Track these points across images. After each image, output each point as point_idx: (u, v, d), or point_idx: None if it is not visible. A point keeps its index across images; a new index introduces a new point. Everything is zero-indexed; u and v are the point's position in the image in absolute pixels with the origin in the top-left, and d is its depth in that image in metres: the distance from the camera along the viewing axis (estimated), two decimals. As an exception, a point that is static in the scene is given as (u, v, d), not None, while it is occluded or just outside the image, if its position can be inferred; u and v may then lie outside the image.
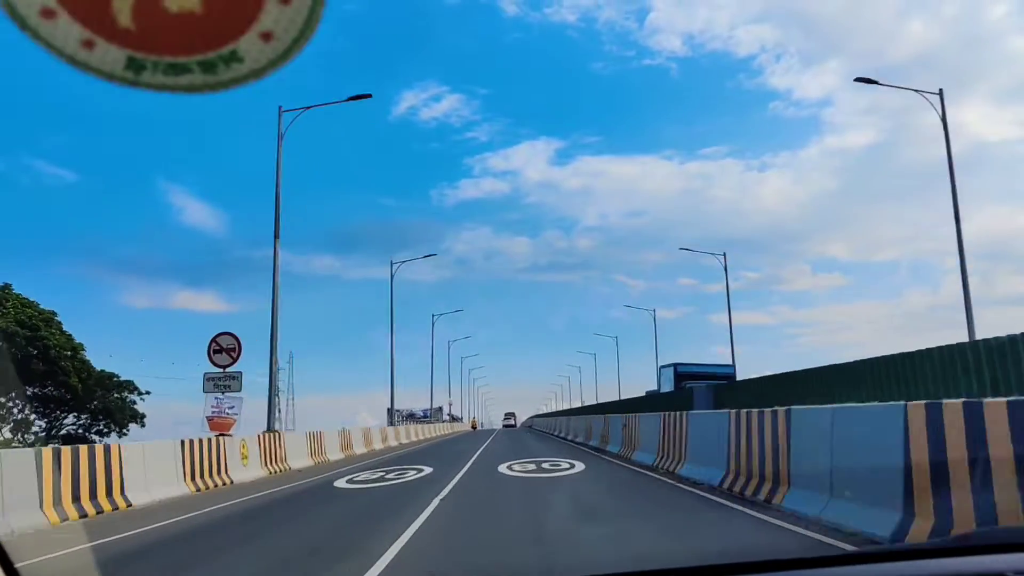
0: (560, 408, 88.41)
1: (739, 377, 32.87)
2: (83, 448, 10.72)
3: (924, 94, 22.39)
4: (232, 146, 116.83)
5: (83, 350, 37.37)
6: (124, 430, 39.16)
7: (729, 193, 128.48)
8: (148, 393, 40.64)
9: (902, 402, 6.10)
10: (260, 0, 0.82)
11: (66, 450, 10.33)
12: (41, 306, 36.51)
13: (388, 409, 45.83)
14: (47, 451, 9.96)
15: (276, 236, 21.06)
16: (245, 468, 15.82)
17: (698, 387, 24.79)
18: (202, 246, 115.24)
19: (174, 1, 0.81)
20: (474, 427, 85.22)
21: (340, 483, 13.75)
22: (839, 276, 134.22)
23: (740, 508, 8.26)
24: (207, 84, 0.86)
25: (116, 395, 39.16)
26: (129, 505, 11.17)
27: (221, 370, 16.86)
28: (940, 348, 12.13)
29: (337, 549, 7.24)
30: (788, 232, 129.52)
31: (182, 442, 13.54)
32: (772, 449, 8.46)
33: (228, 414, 16.31)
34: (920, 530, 5.42)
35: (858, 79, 22.96)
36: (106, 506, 10.70)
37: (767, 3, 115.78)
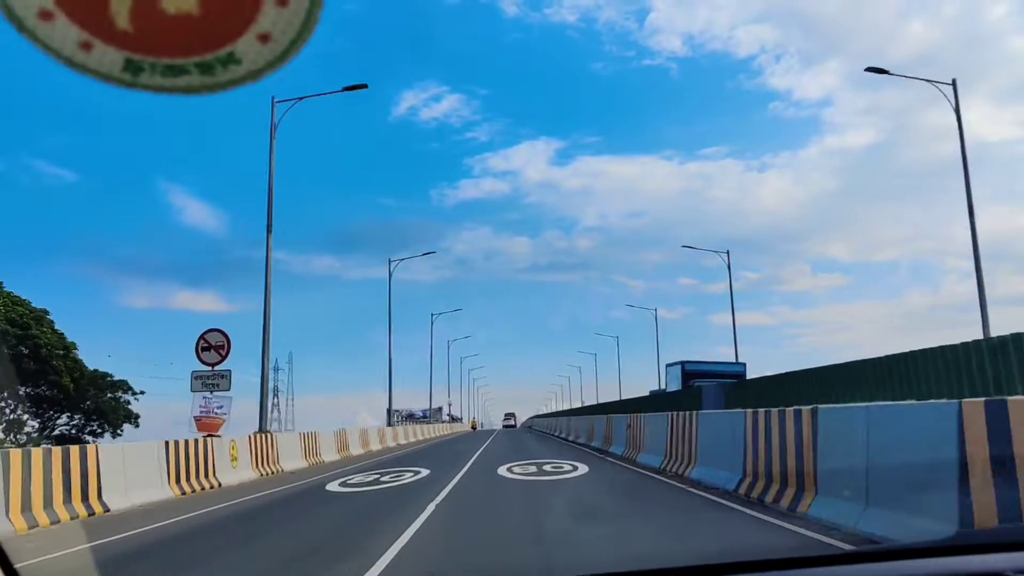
0: (560, 408, 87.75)
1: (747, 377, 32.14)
2: (56, 450, 10.10)
3: (937, 84, 21.79)
4: (232, 146, 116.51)
5: (75, 349, 36.76)
6: (118, 431, 38.59)
7: (729, 193, 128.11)
8: (142, 393, 40.08)
9: (955, 400, 5.47)
10: (257, 2, 0.83)
11: (37, 452, 9.74)
12: (33, 304, 35.94)
13: (387, 409, 45.29)
14: (15, 453, 9.39)
15: (268, 230, 20.59)
16: (235, 470, 15.21)
17: (708, 386, 24.03)
18: (202, 246, 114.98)
19: (172, 3, 0.82)
20: (474, 427, 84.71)
21: (332, 486, 13.19)
22: (839, 276, 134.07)
23: (762, 516, 7.56)
24: (205, 86, 0.87)
25: (109, 395, 38.54)
26: (107, 510, 10.57)
27: (210, 368, 16.22)
28: (942, 347, 11.94)
29: (336, 549, 6.93)
30: (788, 232, 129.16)
31: (167, 443, 12.93)
32: (795, 452, 7.80)
33: (217, 414, 15.67)
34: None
35: (869, 69, 22.46)
36: (81, 511, 10.08)
37: (767, 3, 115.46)
